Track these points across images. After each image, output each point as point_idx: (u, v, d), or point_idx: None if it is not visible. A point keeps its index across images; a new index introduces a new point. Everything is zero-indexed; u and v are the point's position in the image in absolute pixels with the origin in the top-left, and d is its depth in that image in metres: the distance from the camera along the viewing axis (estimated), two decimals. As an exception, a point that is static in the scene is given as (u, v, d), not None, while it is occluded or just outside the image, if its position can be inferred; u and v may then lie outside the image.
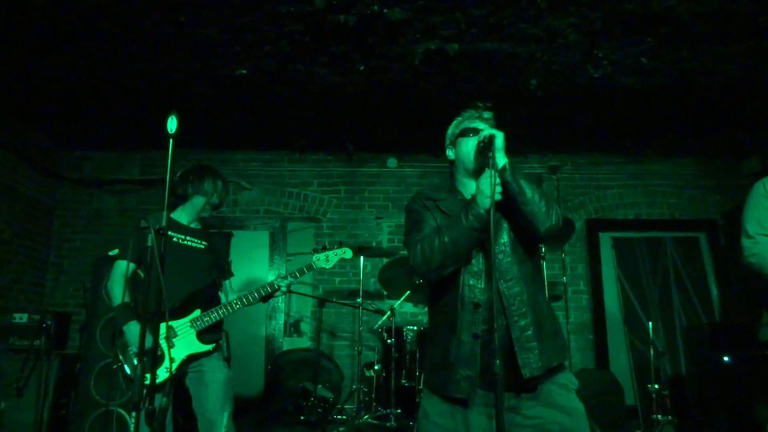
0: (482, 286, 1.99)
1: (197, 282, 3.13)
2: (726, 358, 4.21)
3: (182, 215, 3.27)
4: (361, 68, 4.23)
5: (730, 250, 5.84)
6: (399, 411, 4.33)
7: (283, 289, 3.21)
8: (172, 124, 2.07)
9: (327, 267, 3.38)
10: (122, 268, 3.10)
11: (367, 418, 4.33)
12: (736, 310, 5.65)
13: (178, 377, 3.02)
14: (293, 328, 6.03)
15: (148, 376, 2.66)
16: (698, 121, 5.26)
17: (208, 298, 3.16)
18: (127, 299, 3.06)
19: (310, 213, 6.11)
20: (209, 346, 3.05)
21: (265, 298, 3.22)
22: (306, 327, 5.94)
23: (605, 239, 6.11)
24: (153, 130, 5.34)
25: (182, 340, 3.00)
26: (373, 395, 4.57)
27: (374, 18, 3.56)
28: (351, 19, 3.56)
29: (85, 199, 6.09)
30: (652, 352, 4.66)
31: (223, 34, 3.76)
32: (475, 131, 2.10)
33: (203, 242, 3.27)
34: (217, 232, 3.61)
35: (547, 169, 5.94)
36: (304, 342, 5.86)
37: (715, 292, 5.94)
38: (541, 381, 1.95)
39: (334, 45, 3.91)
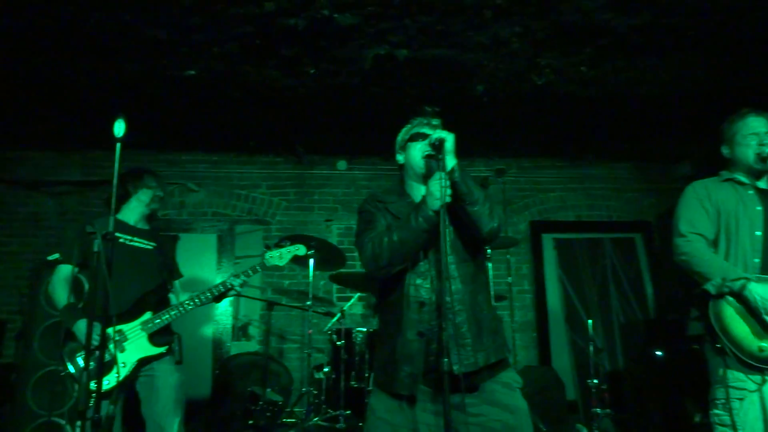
0: (428, 285, 2.05)
1: (147, 284, 3.06)
2: (659, 353, 4.44)
3: (129, 215, 3.21)
4: (312, 71, 4.24)
5: (663, 250, 6.15)
6: (349, 412, 4.35)
7: (237, 288, 3.17)
8: (119, 128, 2.04)
9: (281, 264, 3.29)
10: (65, 272, 3.01)
11: (317, 421, 4.33)
12: (669, 307, 5.96)
13: (129, 382, 2.95)
14: (241, 331, 5.97)
15: (93, 382, 2.59)
16: (634, 127, 5.52)
17: (158, 300, 3.09)
18: (68, 300, 2.98)
19: (259, 215, 6.06)
20: (161, 349, 2.99)
21: (218, 298, 3.16)
22: (254, 330, 5.89)
23: (548, 240, 6.32)
24: (95, 129, 5.18)
25: (133, 343, 2.93)
26: (322, 397, 4.57)
27: (324, 22, 3.58)
28: (301, 23, 3.57)
29: (22, 200, 5.83)
30: (591, 348, 4.86)
31: (171, 35, 3.70)
32: (425, 136, 2.18)
33: (151, 243, 3.20)
34: (164, 234, 3.54)
35: (494, 172, 6.08)
36: (253, 346, 5.81)
37: (650, 290, 6.24)
38: (484, 379, 2.02)
39: (285, 48, 3.90)
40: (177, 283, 3.36)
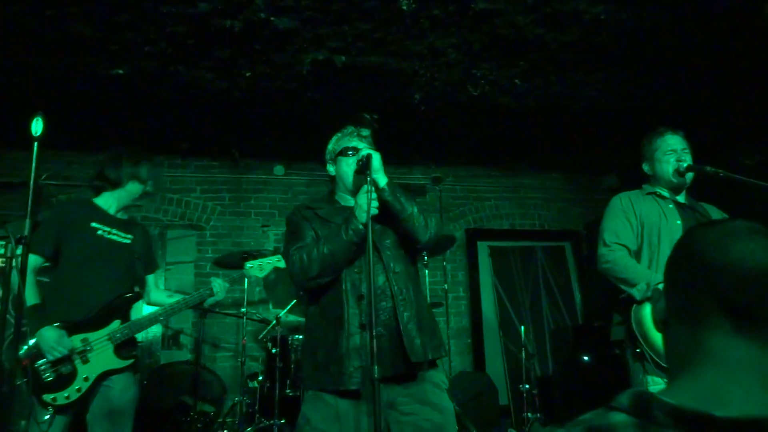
0: (365, 283, 2.07)
1: (119, 286, 2.76)
2: (585, 358, 4.61)
3: (111, 203, 2.85)
4: (248, 74, 4.17)
5: (591, 258, 6.40)
6: (283, 421, 4.27)
7: (220, 296, 2.97)
8: (37, 127, 1.92)
9: (260, 276, 3.11)
10: (33, 264, 2.60)
11: (250, 431, 4.24)
12: (596, 313, 6.20)
13: (87, 396, 2.64)
14: (172, 340, 5.76)
15: (54, 396, 2.38)
16: (565, 139, 5.73)
17: (128, 306, 2.79)
18: (34, 301, 2.61)
19: (193, 220, 5.89)
20: (128, 362, 2.72)
21: (196, 307, 3.00)
22: (186, 339, 5.70)
23: (483, 248, 6.45)
24: (11, 129, 4.89)
25: (98, 355, 2.63)
26: (256, 407, 4.47)
27: (261, 25, 3.53)
28: (237, 24, 3.50)
29: (-69, 202, 5.43)
30: (523, 354, 4.99)
31: (97, 32, 3.54)
32: (355, 150, 2.24)
33: (128, 235, 2.87)
34: (141, 224, 3.15)
35: (430, 181, 6.18)
36: (184, 354, 5.62)
37: (578, 297, 6.48)
38: (423, 368, 2.07)
39: (219, 49, 3.82)
40: (151, 278, 3.06)
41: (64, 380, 2.55)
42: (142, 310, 3.14)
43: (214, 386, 5.00)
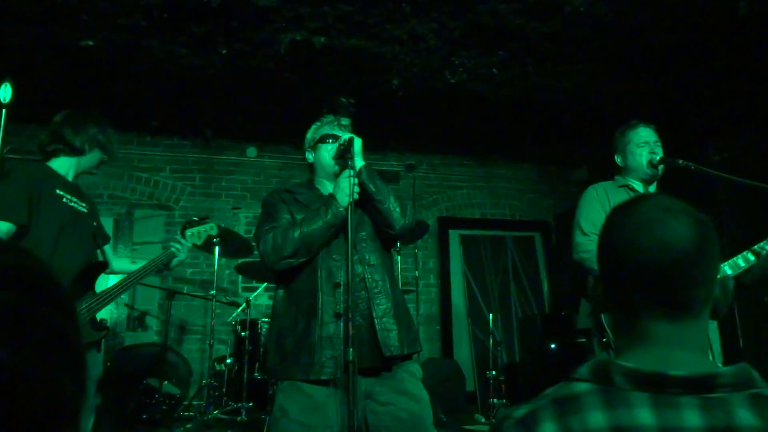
0: (342, 270, 2.05)
1: (87, 256, 2.58)
2: (552, 346, 4.70)
3: (68, 169, 2.58)
4: (224, 52, 4.08)
5: (559, 249, 6.51)
6: (251, 404, 4.25)
7: (182, 255, 2.80)
8: (5, 93, 1.84)
9: (198, 243, 2.95)
10: (4, 231, 2.30)
11: (217, 413, 4.20)
12: (562, 302, 6.32)
13: None
14: (137, 321, 5.66)
15: None
16: (539, 131, 5.79)
17: (97, 275, 2.60)
18: None
19: (161, 200, 5.77)
20: (101, 333, 2.54)
21: (161, 270, 2.84)
22: (152, 321, 5.60)
23: (454, 236, 6.50)
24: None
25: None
26: (224, 390, 4.43)
27: (240, 2, 3.45)
28: (215, 0, 3.42)
29: None
30: (491, 341, 5.06)
31: (69, 0, 3.42)
32: (335, 138, 2.23)
33: (84, 204, 2.63)
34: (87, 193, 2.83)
35: (405, 168, 6.18)
36: (150, 336, 5.52)
37: (546, 286, 6.59)
38: (397, 363, 2.06)
39: (195, 25, 3.72)
40: (108, 248, 2.87)
41: None
42: (108, 281, 2.99)
43: (180, 368, 4.92)
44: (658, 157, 2.88)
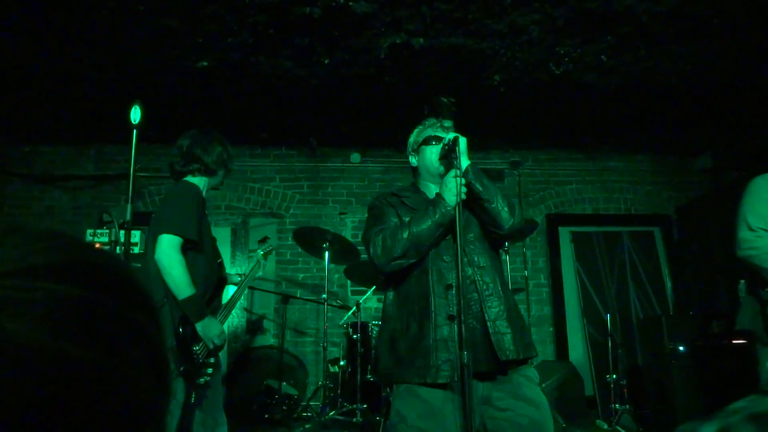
0: (453, 272, 2.01)
1: (222, 270, 2.79)
2: (681, 348, 4.36)
3: (203, 188, 2.70)
4: (326, 62, 4.19)
5: (682, 244, 6.05)
6: (365, 406, 4.31)
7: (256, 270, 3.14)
8: (135, 114, 1.99)
9: (263, 261, 3.31)
10: (175, 246, 2.38)
11: (333, 414, 4.30)
12: (690, 301, 5.86)
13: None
14: (255, 325, 5.95)
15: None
16: (653, 118, 5.41)
17: (224, 287, 2.83)
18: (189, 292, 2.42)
19: (273, 208, 6.03)
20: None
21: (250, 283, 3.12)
22: (269, 324, 5.87)
23: (565, 234, 6.23)
24: (108, 123, 5.17)
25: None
26: (338, 391, 4.54)
27: (339, 11, 3.53)
28: (316, 11, 3.52)
29: (36, 195, 5.85)
30: (610, 343, 4.78)
31: (185, 25, 3.66)
32: (438, 139, 2.21)
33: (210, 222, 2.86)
34: None
35: (509, 165, 6.02)
36: (267, 339, 5.79)
37: (669, 284, 6.14)
38: (513, 367, 1.99)
39: (299, 37, 3.85)
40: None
41: (206, 365, 2.57)
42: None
43: (297, 370, 5.11)
44: None
